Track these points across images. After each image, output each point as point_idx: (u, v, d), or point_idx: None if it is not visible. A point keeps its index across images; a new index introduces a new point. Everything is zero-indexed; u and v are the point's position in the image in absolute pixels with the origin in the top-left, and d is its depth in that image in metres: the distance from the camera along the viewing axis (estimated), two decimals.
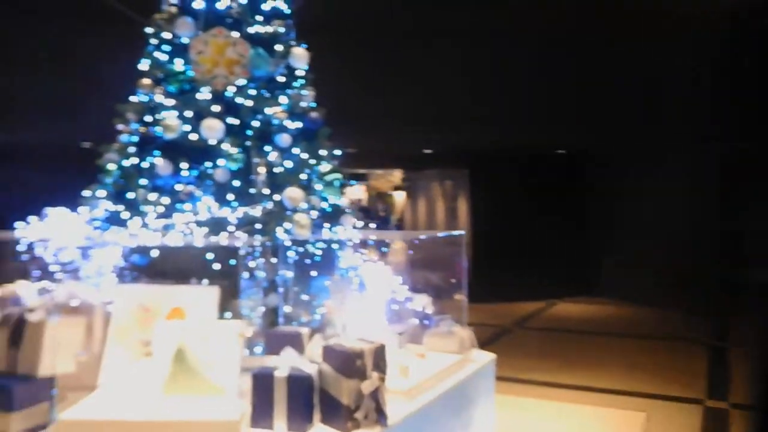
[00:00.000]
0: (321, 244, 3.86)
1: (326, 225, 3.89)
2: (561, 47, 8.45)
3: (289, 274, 3.58)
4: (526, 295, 11.42)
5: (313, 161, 3.94)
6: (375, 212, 15.01)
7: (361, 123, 8.90)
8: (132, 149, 3.79)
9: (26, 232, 3.58)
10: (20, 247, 3.57)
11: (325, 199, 3.94)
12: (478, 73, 8.60)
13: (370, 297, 4.06)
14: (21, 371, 2.85)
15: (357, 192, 20.31)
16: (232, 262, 3.37)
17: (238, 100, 3.79)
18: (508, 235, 11.89)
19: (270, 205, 3.62)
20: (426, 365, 3.43)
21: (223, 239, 3.40)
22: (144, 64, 3.97)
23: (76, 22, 4.89)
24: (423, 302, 4.34)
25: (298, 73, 4.16)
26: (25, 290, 3.42)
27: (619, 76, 8.70)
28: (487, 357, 3.99)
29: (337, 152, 4.23)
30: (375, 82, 8.25)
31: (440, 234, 4.19)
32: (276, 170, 3.75)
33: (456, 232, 3.98)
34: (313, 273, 3.82)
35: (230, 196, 3.58)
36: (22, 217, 3.64)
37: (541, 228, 11.65)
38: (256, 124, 3.80)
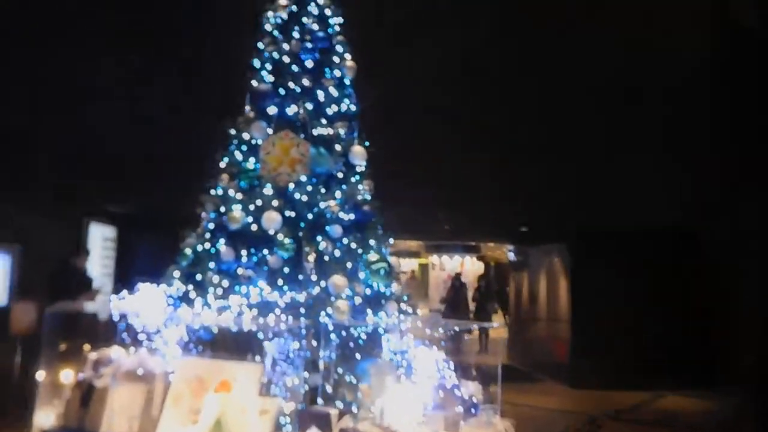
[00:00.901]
0: (366, 329, 4.15)
1: (369, 310, 4.17)
2: (659, 123, 8.40)
3: (327, 354, 3.89)
4: (629, 384, 10.75)
5: (360, 250, 4.29)
6: (483, 287, 14.90)
7: (463, 198, 9.22)
8: (207, 235, 4.36)
9: (120, 303, 4.21)
10: (114, 317, 4.21)
11: (369, 286, 4.25)
12: (579, 152, 8.72)
13: (415, 382, 4.26)
14: (87, 429, 3.36)
15: (456, 265, 20.42)
16: (277, 341, 3.76)
17: (297, 194, 4.26)
18: (612, 315, 11.40)
19: (316, 291, 3.99)
20: None
21: (271, 321, 3.79)
22: (224, 162, 4.59)
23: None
24: (471, 390, 4.45)
25: (357, 168, 4.59)
26: (114, 355, 4.01)
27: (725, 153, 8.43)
28: None
29: (390, 240, 4.56)
30: (478, 160, 8.58)
31: (475, 325, 4.31)
32: (325, 259, 4.13)
33: (494, 324, 4.10)
34: (357, 356, 4.11)
35: (281, 281, 4.00)
36: (126, 283, 4.30)
37: (648, 309, 11.08)
38: (310, 216, 4.23)
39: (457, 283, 13.01)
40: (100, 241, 9.92)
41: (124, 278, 9.89)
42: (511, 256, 17.19)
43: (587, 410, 9.16)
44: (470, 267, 21.07)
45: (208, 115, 5.25)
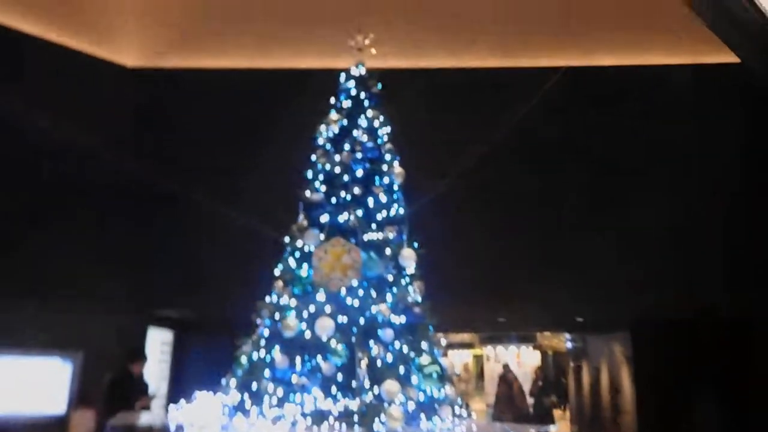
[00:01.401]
0: None
1: (423, 416, 4.11)
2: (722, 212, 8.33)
3: None
4: None
5: (413, 354, 4.29)
6: (540, 379, 14.28)
7: (516, 288, 9.12)
8: (262, 343, 4.45)
9: (177, 414, 4.27)
10: (171, 428, 4.26)
11: (423, 391, 4.21)
12: (636, 240, 8.68)
13: None
14: None
15: (513, 356, 19.77)
16: None
17: (348, 300, 4.34)
18: (677, 407, 10.78)
19: (369, 398, 3.98)
20: None
21: (325, 430, 3.78)
22: (278, 269, 4.74)
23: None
24: None
25: (407, 271, 4.66)
26: None
27: None
28: None
29: (442, 342, 4.55)
30: (530, 256, 8.61)
31: (531, 430, 4.19)
32: (377, 364, 4.14)
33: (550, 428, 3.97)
34: None
35: (334, 389, 4.01)
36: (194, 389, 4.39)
37: (713, 400, 10.44)
38: (362, 321, 4.29)
39: (508, 376, 12.35)
40: (158, 346, 10.11)
41: (180, 383, 9.99)
42: (569, 345, 16.65)
43: None
44: (526, 357, 20.42)
45: (264, 225, 5.48)
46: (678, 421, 10.56)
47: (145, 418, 5.67)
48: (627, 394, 11.58)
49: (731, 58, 5.15)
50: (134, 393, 7.40)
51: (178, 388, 9.62)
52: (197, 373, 9.12)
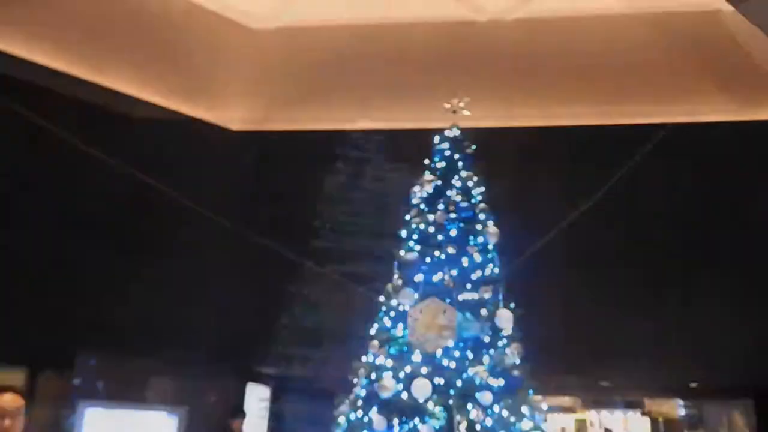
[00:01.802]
0: None
1: None
2: None
3: None
4: None
5: (513, 418, 4.15)
6: None
7: (621, 351, 8.70)
8: (359, 403, 4.46)
9: None
10: None
11: None
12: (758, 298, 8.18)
13: None
14: None
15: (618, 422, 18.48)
16: None
17: (445, 361, 4.29)
18: None
19: None
20: None
21: None
22: (373, 328, 4.78)
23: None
24: None
25: (503, 332, 4.57)
26: None
27: None
28: None
29: (543, 407, 4.38)
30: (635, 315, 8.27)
31: None
32: (477, 428, 4.03)
33: None
34: None
35: None
36: None
37: None
38: (459, 383, 4.22)
39: None
40: (256, 402, 10.31)
41: None
42: (682, 411, 15.45)
43: None
44: (633, 424, 19.08)
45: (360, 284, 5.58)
46: None
47: None
48: None
49: None
50: None
51: None
52: (294, 429, 9.22)
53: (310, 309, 7.76)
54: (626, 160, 6.01)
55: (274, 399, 10.77)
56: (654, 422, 20.64)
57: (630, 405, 19.71)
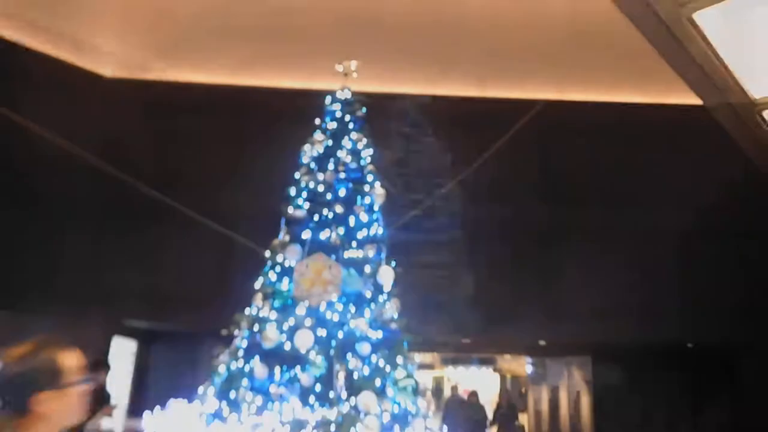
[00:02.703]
0: None
1: (397, 428, 4.26)
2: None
3: None
4: None
5: (388, 368, 4.45)
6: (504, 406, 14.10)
7: (487, 311, 9.35)
8: (240, 353, 4.55)
9: (151, 421, 4.33)
10: None
11: (397, 404, 4.37)
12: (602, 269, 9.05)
13: None
14: None
15: (472, 378, 19.91)
16: None
17: (328, 314, 4.49)
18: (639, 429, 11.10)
19: (345, 409, 4.12)
20: None
21: None
22: (258, 282, 4.86)
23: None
24: None
25: (384, 288, 4.84)
26: None
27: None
28: None
29: (415, 359, 4.72)
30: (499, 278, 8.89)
31: None
32: (354, 376, 4.29)
33: None
34: None
35: (312, 399, 4.14)
36: (158, 403, 4.44)
37: (677, 424, 10.81)
38: (340, 335, 4.44)
39: (474, 402, 12.28)
40: (122, 356, 10.01)
41: (143, 394, 9.90)
42: (529, 368, 16.91)
43: None
44: (487, 381, 20.58)
45: (245, 239, 5.59)
46: None
47: (103, 424, 5.67)
48: (586, 418, 11.87)
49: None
50: (96, 402, 7.36)
51: (141, 399, 9.55)
52: (161, 383, 9.09)
53: (189, 262, 7.63)
54: (503, 133, 6.45)
55: (141, 353, 10.51)
56: (503, 378, 22.42)
57: (483, 362, 21.21)
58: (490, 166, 7.15)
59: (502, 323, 9.64)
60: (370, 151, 5.27)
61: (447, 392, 21.84)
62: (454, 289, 8.30)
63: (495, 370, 21.51)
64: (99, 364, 8.01)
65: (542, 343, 12.17)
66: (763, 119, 4.99)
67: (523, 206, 8.83)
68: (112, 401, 7.85)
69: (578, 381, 12.41)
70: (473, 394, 12.15)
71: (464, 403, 12.78)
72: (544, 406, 14.35)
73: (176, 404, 4.42)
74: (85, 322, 8.61)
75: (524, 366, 18.20)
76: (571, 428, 12.63)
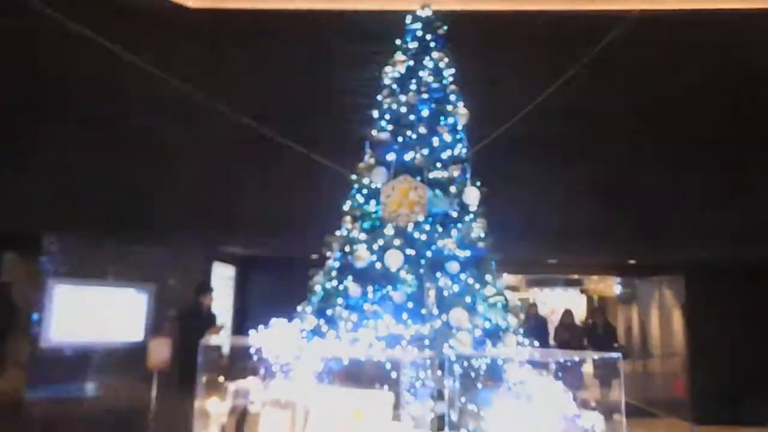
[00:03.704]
0: (486, 359, 4.34)
1: (488, 342, 4.37)
2: None
3: (451, 384, 4.12)
4: (755, 418, 10.16)
5: (478, 285, 4.52)
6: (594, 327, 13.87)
7: (575, 231, 9.24)
8: (333, 273, 4.75)
9: (257, 338, 4.64)
10: (252, 350, 4.64)
11: (488, 320, 4.46)
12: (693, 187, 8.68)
13: (537, 411, 4.39)
14: None
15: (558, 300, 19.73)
16: (405, 372, 4.03)
17: (416, 234, 4.58)
18: (734, 349, 10.85)
19: (437, 324, 4.26)
20: None
21: (397, 352, 4.08)
22: (347, 205, 5.00)
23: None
24: (593, 419, 4.51)
25: (470, 208, 4.86)
26: (252, 386, 4.43)
27: None
28: None
29: (503, 276, 4.77)
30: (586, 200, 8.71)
31: (594, 356, 4.41)
32: (445, 294, 4.40)
33: (614, 355, 4.19)
34: (479, 385, 4.30)
35: (404, 316, 4.29)
36: (258, 323, 4.74)
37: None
38: (429, 254, 4.53)
39: (568, 322, 12.02)
40: (222, 280, 10.68)
41: (245, 316, 10.58)
42: (618, 289, 16.68)
43: None
44: (571, 301, 20.46)
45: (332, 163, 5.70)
46: (731, 362, 10.66)
47: (224, 343, 6.12)
48: (678, 337, 11.69)
49: None
50: (205, 323, 7.95)
51: (245, 320, 10.21)
52: (261, 306, 9.66)
53: (278, 188, 7.90)
54: (592, 49, 6.14)
55: (240, 277, 11.17)
56: (590, 300, 22.18)
57: (570, 284, 21.01)
58: (579, 84, 6.85)
59: (590, 243, 9.50)
60: (452, 70, 5.18)
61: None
62: (541, 209, 8.20)
63: (582, 291, 21.33)
64: (203, 287, 8.60)
65: (632, 262, 11.94)
66: None
67: (613, 124, 8.47)
68: (218, 322, 8.46)
69: (670, 301, 12.16)
70: (566, 315, 11.78)
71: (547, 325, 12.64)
72: (635, 326, 14.21)
73: (278, 323, 4.71)
74: (186, 249, 9.21)
75: (612, 287, 17.92)
76: (662, 345, 12.48)
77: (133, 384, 7.66)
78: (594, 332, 11.32)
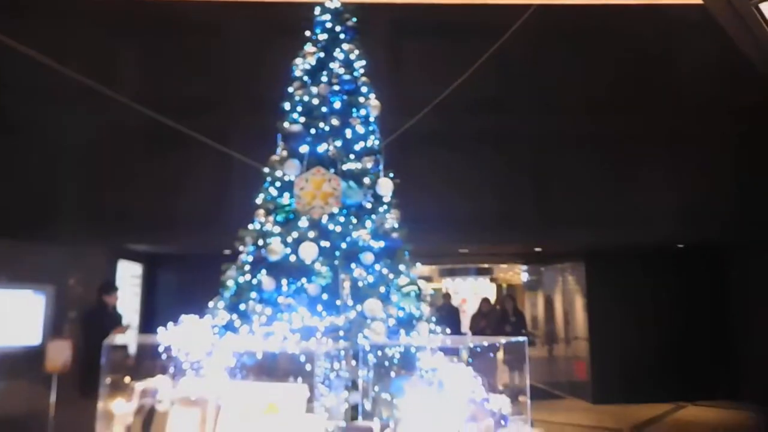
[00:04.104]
0: (399, 348, 4.41)
1: (402, 331, 4.44)
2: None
3: (365, 374, 4.16)
4: (650, 397, 10.93)
5: (392, 276, 4.58)
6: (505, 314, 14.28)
7: (483, 221, 9.50)
8: (247, 267, 4.67)
9: (165, 336, 4.49)
10: (161, 349, 4.48)
11: (401, 309, 4.53)
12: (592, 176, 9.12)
13: (447, 397, 4.50)
14: None
15: (468, 289, 20.32)
16: (318, 363, 4.02)
17: (330, 226, 4.58)
18: (632, 332, 11.57)
19: (352, 315, 4.28)
20: None
21: (312, 344, 4.07)
22: (259, 198, 4.92)
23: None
24: (500, 403, 4.69)
25: (384, 199, 4.90)
26: (160, 384, 4.28)
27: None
28: None
29: (416, 266, 4.86)
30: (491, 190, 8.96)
31: (502, 341, 4.59)
32: (359, 284, 4.42)
33: (520, 339, 4.37)
34: (392, 374, 4.36)
35: (319, 308, 4.29)
36: (167, 321, 4.58)
37: (668, 324, 11.27)
38: (343, 246, 4.54)
39: (486, 310, 12.33)
40: (128, 279, 10.24)
41: (153, 314, 10.21)
42: (524, 276, 17.36)
43: (606, 425, 9.35)
44: (482, 289, 21.11)
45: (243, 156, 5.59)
46: (630, 343, 11.35)
47: (130, 342, 5.87)
48: (581, 321, 12.31)
49: None
50: (109, 323, 7.61)
51: (152, 318, 9.85)
52: (170, 303, 9.36)
53: (187, 183, 7.66)
54: (496, 40, 6.34)
55: (147, 275, 10.75)
56: (499, 287, 23.00)
57: (480, 273, 21.68)
58: (484, 75, 7.06)
59: (498, 232, 9.85)
60: (363, 62, 5.20)
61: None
62: (452, 200, 8.41)
63: (492, 279, 22.07)
64: (107, 286, 8.22)
65: (538, 250, 12.46)
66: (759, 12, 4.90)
67: (516, 115, 8.80)
68: (124, 321, 8.12)
69: (572, 287, 12.78)
70: (484, 302, 12.04)
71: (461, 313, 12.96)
72: (540, 312, 14.83)
73: (188, 319, 4.57)
74: (89, 248, 8.76)
75: (520, 275, 18.64)
76: (566, 329, 13.10)
77: (31, 388, 7.23)
78: (505, 319, 11.71)
